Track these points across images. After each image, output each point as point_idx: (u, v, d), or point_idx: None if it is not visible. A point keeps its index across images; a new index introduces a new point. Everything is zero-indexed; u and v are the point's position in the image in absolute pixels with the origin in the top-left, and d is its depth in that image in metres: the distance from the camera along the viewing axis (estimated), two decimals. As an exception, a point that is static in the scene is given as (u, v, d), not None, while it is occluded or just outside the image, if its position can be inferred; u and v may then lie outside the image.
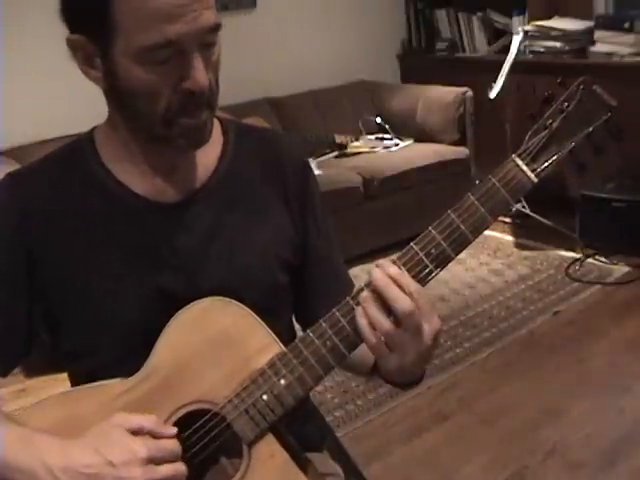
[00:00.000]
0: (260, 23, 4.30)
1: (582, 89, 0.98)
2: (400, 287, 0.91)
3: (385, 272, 0.92)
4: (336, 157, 4.23)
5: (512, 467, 2.32)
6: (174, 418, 0.97)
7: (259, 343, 0.98)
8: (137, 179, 1.05)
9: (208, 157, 1.09)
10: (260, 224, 1.10)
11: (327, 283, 1.17)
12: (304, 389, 0.97)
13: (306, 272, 1.16)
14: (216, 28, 0.95)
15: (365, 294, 0.94)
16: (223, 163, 1.10)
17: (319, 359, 0.96)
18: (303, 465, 0.99)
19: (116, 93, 0.98)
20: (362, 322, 0.92)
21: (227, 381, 0.97)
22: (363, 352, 0.99)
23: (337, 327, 0.96)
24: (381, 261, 0.93)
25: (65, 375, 1.12)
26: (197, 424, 0.97)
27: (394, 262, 0.95)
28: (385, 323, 0.91)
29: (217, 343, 0.98)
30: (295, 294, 1.16)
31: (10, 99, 3.42)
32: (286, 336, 1.02)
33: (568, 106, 0.97)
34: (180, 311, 0.98)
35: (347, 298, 0.96)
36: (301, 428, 1.05)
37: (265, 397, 0.96)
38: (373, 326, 0.92)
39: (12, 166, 3.25)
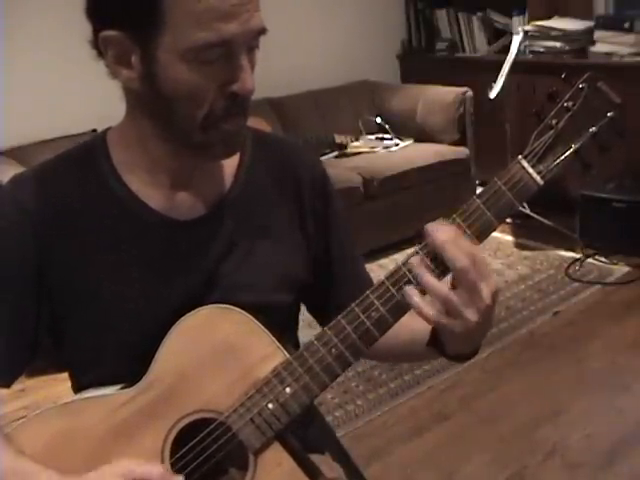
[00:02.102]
0: (260, 23, 4.30)
1: (587, 86, 0.96)
2: (457, 247, 0.90)
3: (442, 232, 0.91)
4: (336, 157, 4.23)
5: (512, 467, 2.32)
6: (177, 428, 0.96)
7: (262, 351, 0.97)
8: (151, 190, 1.02)
9: (226, 168, 1.07)
10: (272, 243, 1.08)
11: (349, 285, 1.15)
12: (310, 397, 0.96)
13: (330, 284, 1.15)
14: (263, 32, 0.93)
15: (415, 261, 0.92)
16: (240, 175, 1.08)
17: (324, 367, 0.95)
18: (310, 471, 0.98)
19: (152, 95, 0.93)
20: (416, 300, 0.90)
21: (231, 390, 0.96)
22: (410, 335, 1.00)
23: (342, 334, 0.95)
24: (434, 224, 0.91)
25: (65, 375, 1.11)
26: (202, 434, 0.96)
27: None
28: (442, 288, 0.90)
29: (219, 351, 0.97)
30: (317, 296, 1.16)
31: (10, 99, 3.42)
32: (289, 348, 1.01)
33: (574, 105, 0.96)
34: (181, 319, 0.97)
35: (352, 305, 0.95)
36: (304, 432, 1.05)
37: (271, 406, 0.95)
38: (432, 293, 0.90)
39: (12, 166, 3.25)
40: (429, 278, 0.90)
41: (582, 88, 0.96)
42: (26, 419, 0.97)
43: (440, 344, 1.01)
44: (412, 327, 1.03)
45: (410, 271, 0.92)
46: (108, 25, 0.91)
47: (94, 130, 3.46)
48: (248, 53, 0.93)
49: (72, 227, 1.00)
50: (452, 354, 1.02)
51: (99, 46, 0.93)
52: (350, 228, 1.19)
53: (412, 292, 0.91)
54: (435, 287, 0.90)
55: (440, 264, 0.91)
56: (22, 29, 3.52)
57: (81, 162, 1.04)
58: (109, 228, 1.01)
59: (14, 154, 3.40)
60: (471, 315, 0.90)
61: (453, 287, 0.91)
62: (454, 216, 0.94)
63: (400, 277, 0.94)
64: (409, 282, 0.94)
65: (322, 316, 1.16)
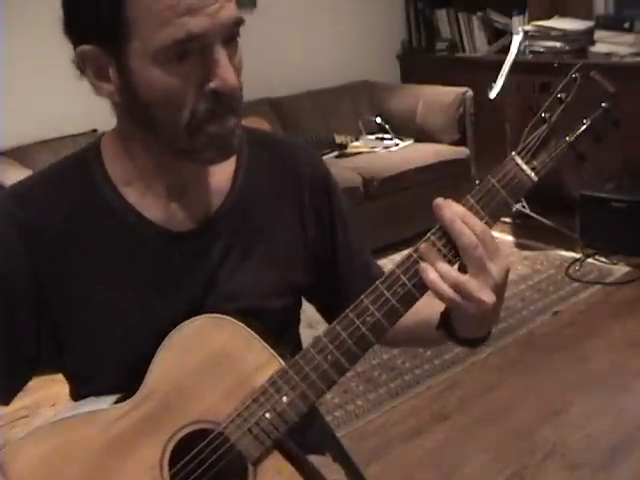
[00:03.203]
0: (260, 23, 4.30)
1: (580, 76, 0.93)
2: (466, 224, 0.89)
3: (451, 208, 0.90)
4: (336, 157, 4.23)
5: (512, 467, 2.32)
6: (175, 439, 0.95)
7: (257, 360, 0.96)
8: (147, 201, 1.00)
9: (220, 177, 1.04)
10: (271, 247, 1.05)
11: (359, 285, 1.10)
12: (307, 405, 0.95)
13: (342, 287, 1.13)
14: (239, 22, 0.89)
15: (424, 248, 0.91)
16: (237, 181, 1.04)
17: (321, 375, 0.94)
18: (310, 477, 0.98)
19: (133, 106, 0.91)
20: (432, 276, 0.89)
21: (227, 400, 0.95)
22: (420, 318, 0.98)
23: (338, 341, 0.94)
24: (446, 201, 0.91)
25: (65, 375, 1.11)
26: (200, 445, 0.95)
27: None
28: (453, 273, 0.89)
29: (214, 361, 0.96)
30: (326, 298, 1.15)
31: (10, 99, 3.42)
32: (290, 353, 0.99)
33: (567, 96, 0.93)
34: (175, 329, 0.95)
35: (346, 311, 0.94)
36: (304, 435, 1.04)
37: (268, 415, 0.94)
38: (442, 279, 0.89)
39: (12, 166, 3.25)
40: (439, 265, 0.89)
41: (575, 78, 0.94)
42: (19, 439, 0.95)
43: (451, 328, 1.00)
44: (422, 310, 1.01)
45: (421, 257, 0.91)
46: (82, 40, 0.89)
47: (94, 130, 3.46)
48: (226, 47, 0.89)
49: (67, 237, 0.98)
50: (463, 338, 1.00)
51: (79, 63, 0.92)
52: (358, 226, 1.16)
53: (428, 268, 0.90)
54: (445, 273, 0.89)
55: (452, 248, 0.90)
56: (22, 29, 3.52)
57: (76, 172, 1.01)
58: (104, 238, 0.99)
59: (14, 154, 3.40)
60: (486, 296, 0.89)
61: (463, 269, 0.90)
62: None
63: (394, 281, 0.92)
64: (404, 285, 0.92)
65: (333, 319, 1.15)
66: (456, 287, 0.89)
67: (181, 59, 0.86)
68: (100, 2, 0.86)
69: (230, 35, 0.89)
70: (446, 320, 1.00)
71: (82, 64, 0.91)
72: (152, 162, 0.98)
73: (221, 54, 0.88)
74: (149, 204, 1.00)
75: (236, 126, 0.93)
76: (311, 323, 1.24)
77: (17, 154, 3.40)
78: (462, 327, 0.98)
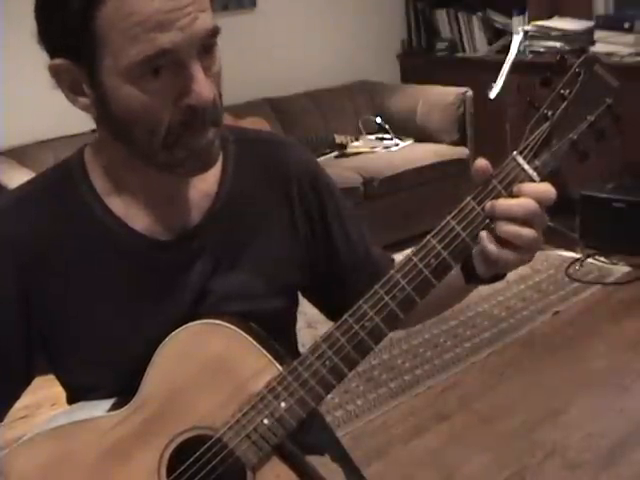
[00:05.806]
0: (260, 23, 4.30)
1: (583, 71, 0.90)
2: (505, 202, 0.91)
3: (494, 203, 0.91)
4: (336, 157, 4.23)
5: (512, 467, 2.32)
6: (172, 446, 0.95)
7: (255, 365, 0.95)
8: (132, 212, 0.98)
9: (207, 181, 1.01)
10: (261, 250, 1.04)
11: (365, 278, 1.05)
12: (305, 410, 0.94)
13: (346, 279, 1.11)
14: (214, 32, 0.86)
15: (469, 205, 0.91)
16: (224, 187, 1.02)
17: (319, 380, 0.93)
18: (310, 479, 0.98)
19: (109, 120, 0.90)
20: (491, 247, 0.92)
21: (224, 406, 0.94)
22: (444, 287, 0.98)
23: (336, 346, 0.93)
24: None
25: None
26: (199, 452, 0.95)
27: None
28: (525, 231, 0.95)
29: (211, 367, 0.95)
30: (328, 292, 1.13)
31: (10, 99, 3.42)
32: (287, 355, 0.98)
33: (570, 92, 0.90)
34: (170, 336, 0.94)
35: (345, 316, 0.93)
36: (304, 437, 1.03)
37: (266, 421, 0.94)
38: (516, 241, 0.94)
39: (12, 166, 3.25)
40: (509, 227, 0.92)
41: (578, 73, 0.91)
42: (16, 446, 0.95)
43: (474, 274, 1.02)
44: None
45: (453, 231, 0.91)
46: (54, 53, 0.88)
47: (94, 130, 3.46)
48: (201, 59, 0.86)
49: (53, 250, 0.97)
50: (486, 277, 1.04)
51: (52, 75, 0.91)
52: (357, 217, 1.14)
53: (490, 238, 0.91)
54: (520, 234, 0.94)
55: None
56: (22, 28, 3.52)
57: (60, 184, 0.99)
58: (91, 251, 0.97)
59: (14, 154, 3.40)
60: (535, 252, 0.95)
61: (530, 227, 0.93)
62: (448, 218, 0.91)
63: (393, 285, 0.92)
64: (403, 289, 0.91)
65: (336, 313, 1.05)
66: (529, 245, 0.96)
67: (154, 75, 0.84)
68: (68, 18, 0.84)
69: (206, 46, 0.86)
70: (468, 272, 1.02)
71: (56, 77, 0.91)
72: (135, 173, 0.97)
73: (196, 69, 0.85)
74: (134, 214, 0.98)
75: (215, 137, 0.91)
76: (311, 323, 1.24)
77: (17, 154, 3.40)
78: (489, 272, 1.01)
